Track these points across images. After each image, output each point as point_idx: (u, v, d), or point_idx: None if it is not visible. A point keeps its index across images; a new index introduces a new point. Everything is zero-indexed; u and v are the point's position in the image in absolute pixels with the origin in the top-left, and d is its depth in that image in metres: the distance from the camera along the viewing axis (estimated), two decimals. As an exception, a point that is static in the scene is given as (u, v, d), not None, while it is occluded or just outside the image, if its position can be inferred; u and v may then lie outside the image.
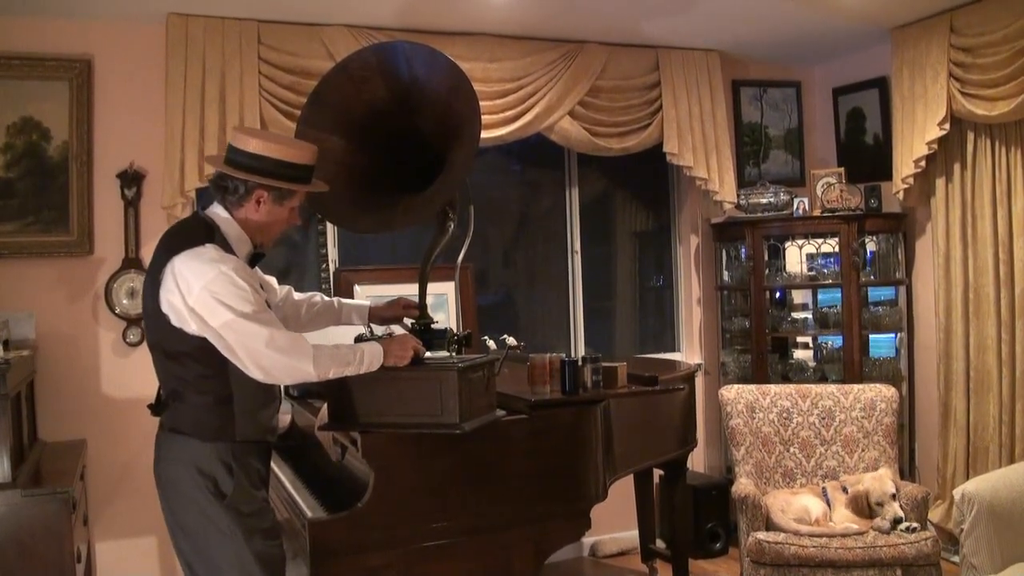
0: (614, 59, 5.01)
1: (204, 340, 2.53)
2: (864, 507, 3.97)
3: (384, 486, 2.86)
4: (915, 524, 3.87)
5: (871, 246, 5.21)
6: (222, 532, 2.59)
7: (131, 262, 4.23)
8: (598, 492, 3.23)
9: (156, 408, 2.71)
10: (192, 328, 2.52)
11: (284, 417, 4.41)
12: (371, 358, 2.70)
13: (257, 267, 2.81)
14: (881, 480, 4.00)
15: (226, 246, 2.61)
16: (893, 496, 3.93)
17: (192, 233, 2.62)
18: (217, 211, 2.68)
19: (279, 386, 2.82)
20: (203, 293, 2.48)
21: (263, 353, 2.52)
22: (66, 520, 3.26)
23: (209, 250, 2.55)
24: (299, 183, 2.69)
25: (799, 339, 5.44)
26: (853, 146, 5.53)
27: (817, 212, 5.18)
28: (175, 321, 2.55)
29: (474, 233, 3.03)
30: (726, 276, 5.52)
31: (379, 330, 3.11)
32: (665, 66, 5.11)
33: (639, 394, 3.55)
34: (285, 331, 2.60)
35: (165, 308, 2.55)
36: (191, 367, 2.60)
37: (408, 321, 3.19)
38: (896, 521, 3.85)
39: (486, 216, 5.13)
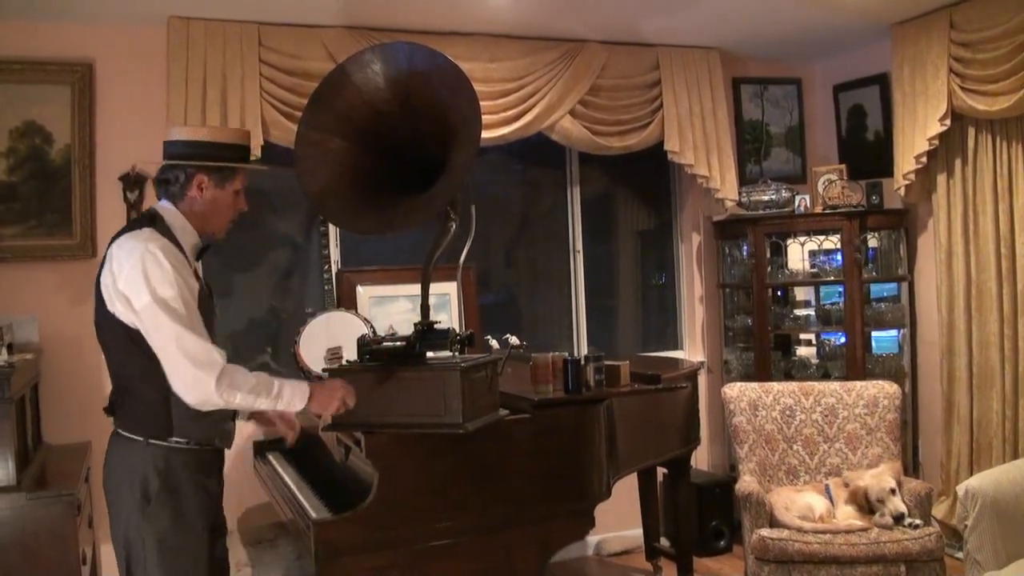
0: (614, 58, 5.01)
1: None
2: (862, 503, 3.97)
3: (388, 486, 2.87)
4: (918, 520, 3.87)
5: (873, 243, 5.21)
6: (151, 544, 2.52)
7: (134, 265, 4.23)
8: (601, 491, 3.24)
9: (109, 409, 2.67)
10: (119, 310, 2.49)
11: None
12: (292, 396, 2.59)
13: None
14: (879, 477, 3.99)
15: (168, 234, 2.59)
16: (893, 491, 3.93)
17: (134, 222, 2.66)
18: (162, 203, 2.69)
19: None
20: (132, 271, 2.46)
21: (172, 352, 2.45)
22: (71, 522, 3.26)
23: (144, 232, 2.55)
24: (236, 163, 2.71)
25: (802, 336, 5.44)
26: (854, 143, 5.53)
27: (819, 209, 5.18)
28: (109, 305, 2.52)
29: (476, 233, 3.03)
30: (728, 274, 5.52)
31: (382, 330, 3.12)
32: (665, 64, 5.11)
33: (642, 393, 3.56)
34: (199, 335, 2.48)
35: (104, 293, 2.53)
36: (132, 356, 2.54)
37: (356, 327, 3.17)
38: (898, 517, 3.85)
39: (488, 216, 5.13)
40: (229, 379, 2.47)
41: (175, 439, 2.56)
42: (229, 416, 2.72)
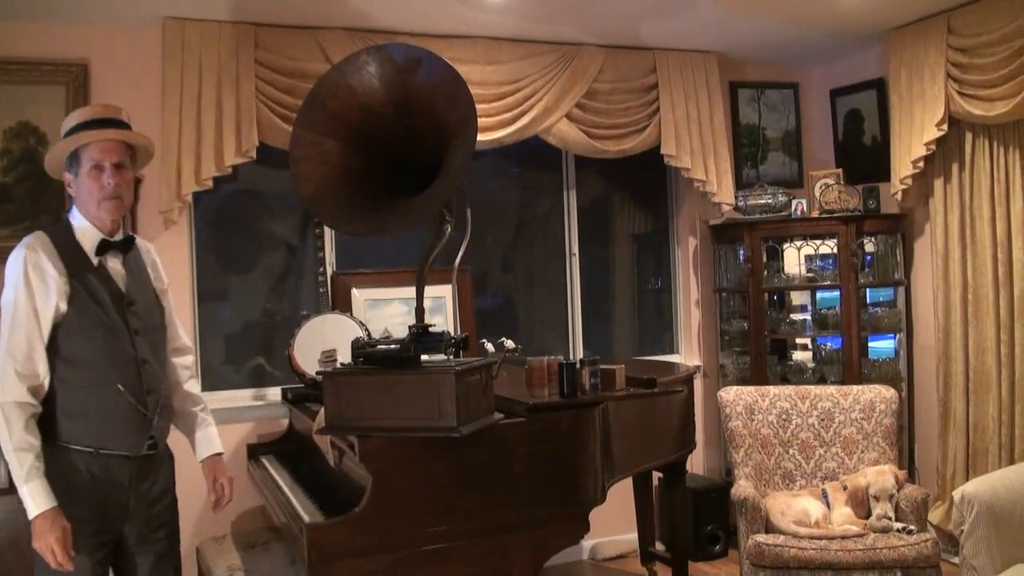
0: (611, 61, 5.00)
1: None
2: (863, 499, 3.96)
3: (382, 490, 2.86)
4: (912, 527, 3.86)
5: (869, 247, 5.21)
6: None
7: (128, 266, 4.21)
8: (596, 495, 3.23)
9: None
10: None
11: (282, 421, 4.41)
12: (29, 495, 2.51)
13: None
14: (883, 475, 3.99)
15: (60, 235, 2.66)
16: (891, 496, 3.93)
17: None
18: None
19: (129, 400, 2.67)
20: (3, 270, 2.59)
21: None
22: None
23: (31, 235, 2.65)
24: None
25: (798, 340, 5.43)
26: (851, 147, 5.52)
27: (815, 213, 5.17)
28: None
29: (472, 236, 3.02)
30: (724, 278, 5.51)
31: (377, 333, 3.11)
32: (663, 68, 5.10)
33: (637, 396, 3.55)
34: (10, 357, 2.52)
35: None
36: None
37: (351, 330, 3.15)
38: (888, 519, 3.86)
39: (484, 219, 5.12)
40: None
41: (64, 442, 2.59)
42: (128, 420, 2.68)
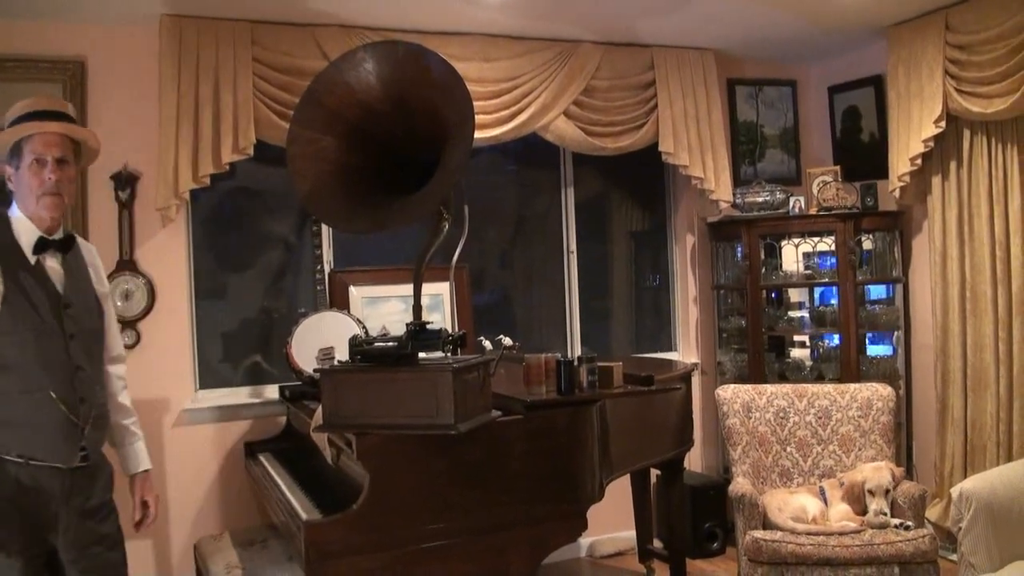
0: (609, 58, 5.00)
1: None
2: (859, 495, 3.96)
3: (379, 488, 2.85)
4: (909, 523, 3.86)
5: (867, 244, 5.21)
6: None
7: (125, 264, 4.21)
8: (594, 492, 3.22)
9: None
10: None
11: (280, 419, 4.40)
12: None
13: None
14: (879, 471, 3.99)
15: (5, 231, 2.59)
16: (887, 492, 3.93)
17: None
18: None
19: (61, 409, 2.58)
20: None
21: None
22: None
23: None
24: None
25: (796, 338, 5.43)
26: (849, 144, 5.52)
27: (813, 211, 5.17)
28: None
29: (470, 233, 3.01)
30: (722, 275, 5.51)
31: (375, 331, 3.10)
32: (660, 65, 5.10)
33: (635, 394, 3.54)
34: None
35: None
36: None
37: (348, 327, 3.13)
38: (883, 515, 3.86)
39: (482, 216, 5.11)
40: None
41: None
42: (58, 429, 2.57)
